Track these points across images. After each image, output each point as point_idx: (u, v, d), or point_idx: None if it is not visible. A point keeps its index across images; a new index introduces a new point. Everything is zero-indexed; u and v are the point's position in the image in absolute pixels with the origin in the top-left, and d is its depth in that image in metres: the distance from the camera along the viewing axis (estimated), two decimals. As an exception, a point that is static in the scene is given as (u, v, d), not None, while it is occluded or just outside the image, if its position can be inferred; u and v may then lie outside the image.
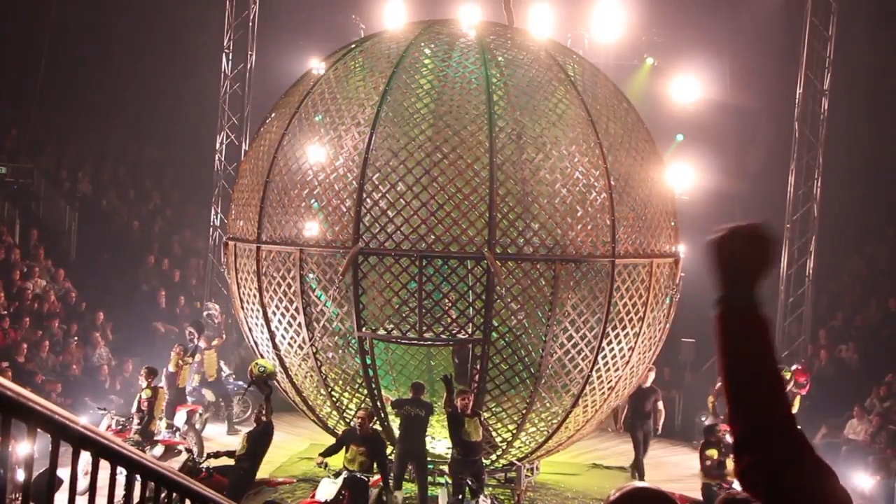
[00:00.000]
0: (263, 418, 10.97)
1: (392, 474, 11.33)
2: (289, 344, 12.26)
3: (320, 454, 10.95)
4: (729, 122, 20.94)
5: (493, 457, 12.38)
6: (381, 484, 11.17)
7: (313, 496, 10.88)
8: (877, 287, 18.84)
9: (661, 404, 14.18)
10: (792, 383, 14.48)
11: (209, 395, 15.92)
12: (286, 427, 16.61)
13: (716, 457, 11.58)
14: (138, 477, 4.79)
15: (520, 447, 12.53)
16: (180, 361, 14.38)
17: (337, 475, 10.74)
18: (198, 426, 14.26)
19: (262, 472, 12.43)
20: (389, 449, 12.14)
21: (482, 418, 11.48)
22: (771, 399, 2.14)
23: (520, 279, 11.97)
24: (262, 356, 13.41)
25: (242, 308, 12.76)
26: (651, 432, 14.08)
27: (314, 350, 12.00)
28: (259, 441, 10.91)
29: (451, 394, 11.01)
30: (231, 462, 10.99)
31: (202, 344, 15.47)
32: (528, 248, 12.04)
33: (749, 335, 2.18)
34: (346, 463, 10.87)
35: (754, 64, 19.86)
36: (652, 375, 13.90)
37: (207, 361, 16.07)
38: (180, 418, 13.92)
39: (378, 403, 11.91)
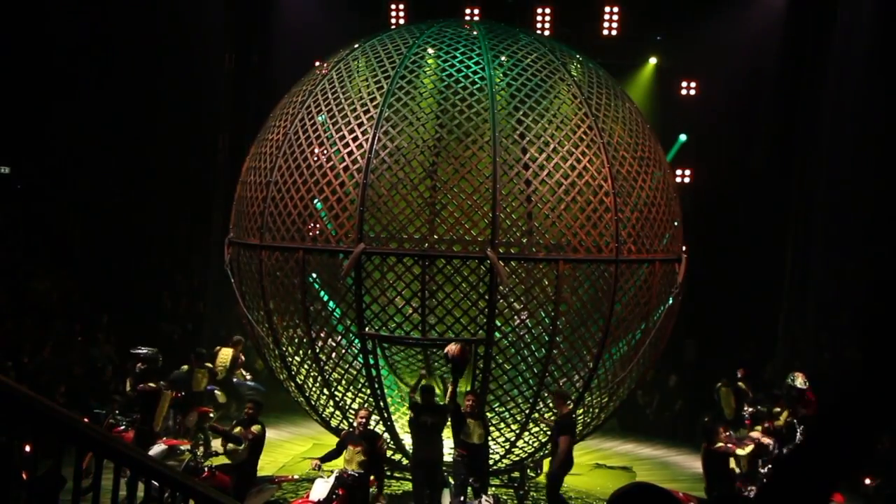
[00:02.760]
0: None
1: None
2: (291, 345, 12.27)
3: (319, 459, 10.95)
4: (731, 122, 20.93)
5: (497, 457, 12.39)
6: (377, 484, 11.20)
7: (307, 497, 10.90)
8: (880, 287, 18.80)
9: (563, 441, 11.57)
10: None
11: (221, 398, 15.92)
12: (290, 427, 16.63)
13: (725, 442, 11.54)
14: (141, 476, 4.80)
15: (523, 447, 12.54)
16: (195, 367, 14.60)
17: (331, 475, 10.76)
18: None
19: (267, 472, 12.47)
20: (398, 456, 12.15)
21: (487, 422, 11.37)
22: None
23: (523, 279, 11.98)
24: (262, 357, 13.45)
25: (245, 308, 12.77)
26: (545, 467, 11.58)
27: (317, 350, 12.00)
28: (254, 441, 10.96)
29: (455, 389, 10.98)
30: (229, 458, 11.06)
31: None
32: (532, 249, 12.06)
33: None
34: (345, 463, 10.87)
35: (757, 63, 19.85)
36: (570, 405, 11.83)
37: (220, 358, 15.99)
38: (192, 420, 14.14)
39: (381, 404, 11.92)
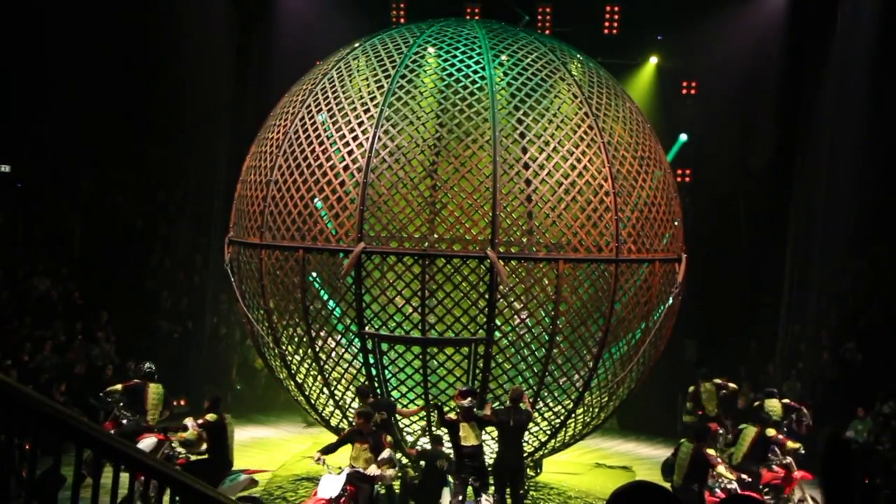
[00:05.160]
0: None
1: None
2: (291, 344, 12.27)
3: (319, 451, 10.88)
4: (731, 122, 20.92)
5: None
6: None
7: (315, 494, 10.84)
8: (880, 287, 18.82)
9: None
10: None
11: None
12: (288, 426, 16.65)
13: (714, 453, 11.33)
14: (135, 471, 4.79)
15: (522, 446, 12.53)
16: None
17: (340, 472, 10.71)
18: None
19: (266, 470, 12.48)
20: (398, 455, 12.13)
21: (486, 414, 11.28)
22: None
23: (523, 279, 11.98)
24: (262, 356, 13.44)
25: (245, 307, 12.78)
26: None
27: (317, 349, 12.01)
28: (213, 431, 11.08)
29: (442, 416, 11.04)
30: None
31: None
32: (532, 248, 12.06)
33: None
34: (351, 460, 10.83)
35: (757, 63, 19.86)
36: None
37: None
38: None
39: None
